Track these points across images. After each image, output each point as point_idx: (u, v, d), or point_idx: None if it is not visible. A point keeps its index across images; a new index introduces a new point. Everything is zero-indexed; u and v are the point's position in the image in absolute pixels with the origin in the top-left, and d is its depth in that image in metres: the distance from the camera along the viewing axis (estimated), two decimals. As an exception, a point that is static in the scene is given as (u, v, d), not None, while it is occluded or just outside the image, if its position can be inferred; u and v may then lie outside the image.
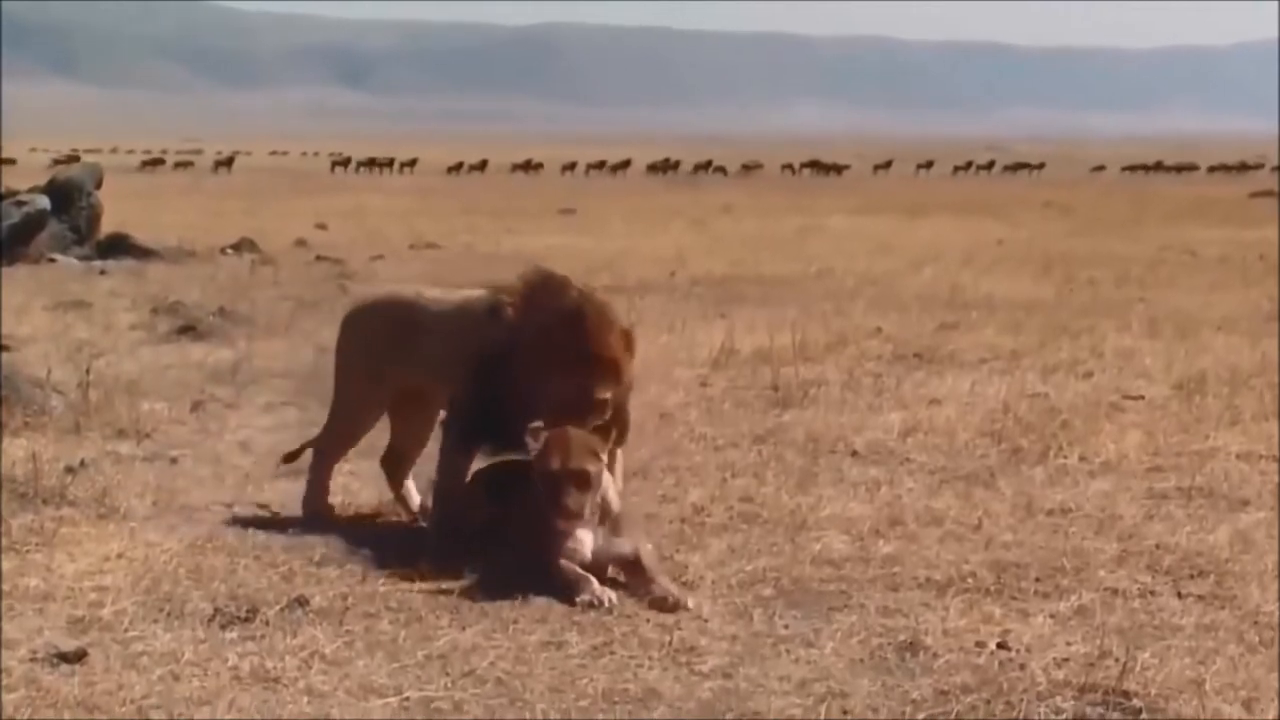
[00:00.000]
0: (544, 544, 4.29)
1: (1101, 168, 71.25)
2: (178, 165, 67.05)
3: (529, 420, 4.40)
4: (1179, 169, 68.78)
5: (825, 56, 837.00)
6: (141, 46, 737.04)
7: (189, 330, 10.03)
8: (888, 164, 71.73)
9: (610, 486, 4.45)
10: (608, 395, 4.50)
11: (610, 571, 4.37)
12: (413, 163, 68.18)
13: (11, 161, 54.42)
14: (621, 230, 23.89)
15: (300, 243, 19.41)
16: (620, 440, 4.67)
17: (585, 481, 4.28)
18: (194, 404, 7.30)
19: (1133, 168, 69.63)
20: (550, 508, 4.26)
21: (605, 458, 4.42)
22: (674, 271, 15.59)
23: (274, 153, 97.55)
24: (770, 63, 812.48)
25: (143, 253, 16.25)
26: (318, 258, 16.99)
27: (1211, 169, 67.00)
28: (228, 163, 64.70)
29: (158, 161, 68.39)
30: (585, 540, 4.33)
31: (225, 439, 6.58)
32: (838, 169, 66.49)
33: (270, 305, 11.82)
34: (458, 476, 4.86)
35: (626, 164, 67.25)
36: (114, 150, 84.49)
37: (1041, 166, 68.95)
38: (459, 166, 65.53)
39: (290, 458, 5.47)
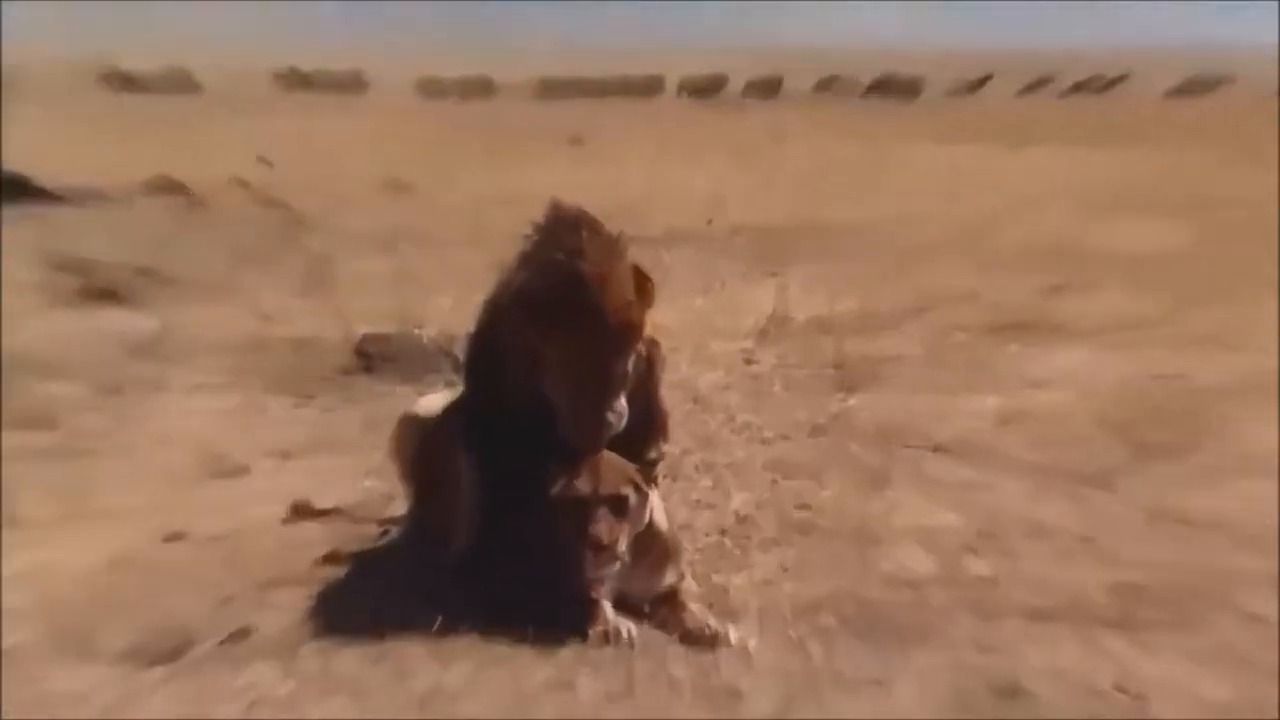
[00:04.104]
0: (560, 574, 4.20)
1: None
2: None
3: (536, 416, 4.30)
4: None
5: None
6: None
7: (104, 294, 10.10)
8: (983, 81, 71.43)
9: (658, 508, 4.40)
10: (628, 367, 4.35)
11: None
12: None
13: None
14: (644, 165, 23.88)
15: (239, 182, 19.45)
16: (661, 438, 4.68)
17: (622, 509, 4.19)
18: (110, 386, 7.36)
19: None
20: (577, 538, 4.13)
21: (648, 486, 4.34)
22: (711, 218, 15.59)
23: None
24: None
25: (43, 196, 16.33)
26: (262, 201, 17.05)
27: None
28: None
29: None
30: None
31: (149, 429, 6.63)
32: (915, 88, 66.24)
33: (204, 261, 11.87)
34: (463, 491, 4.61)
35: (657, 82, 67.11)
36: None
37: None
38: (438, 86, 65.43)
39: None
